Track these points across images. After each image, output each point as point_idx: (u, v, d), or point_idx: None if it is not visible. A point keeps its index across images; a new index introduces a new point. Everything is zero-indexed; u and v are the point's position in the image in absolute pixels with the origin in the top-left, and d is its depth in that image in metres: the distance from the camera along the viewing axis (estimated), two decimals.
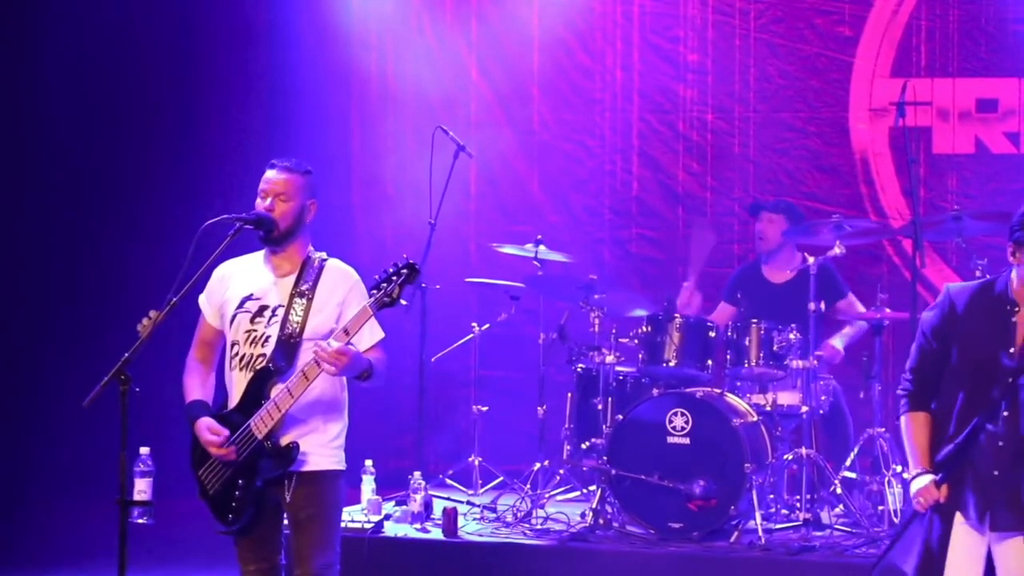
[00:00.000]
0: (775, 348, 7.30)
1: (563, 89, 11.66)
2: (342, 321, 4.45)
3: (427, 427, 8.89)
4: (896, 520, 6.89)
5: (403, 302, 4.50)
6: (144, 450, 4.97)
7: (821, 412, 7.64)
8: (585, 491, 8.34)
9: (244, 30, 11.60)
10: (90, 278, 10.43)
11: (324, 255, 4.74)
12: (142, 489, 4.71)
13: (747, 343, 7.28)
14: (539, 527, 7.29)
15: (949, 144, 10.53)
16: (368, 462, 7.96)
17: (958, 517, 4.55)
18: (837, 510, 7.60)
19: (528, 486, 7.91)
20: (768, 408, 7.40)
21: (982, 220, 8.01)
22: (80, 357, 8.42)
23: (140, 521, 4.57)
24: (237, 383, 4.59)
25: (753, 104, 11.29)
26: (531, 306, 9.47)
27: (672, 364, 7.22)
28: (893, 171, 10.64)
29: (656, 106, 11.48)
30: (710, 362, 7.39)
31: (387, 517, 7.33)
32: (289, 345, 4.47)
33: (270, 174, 4.69)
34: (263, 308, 4.58)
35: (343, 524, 5.55)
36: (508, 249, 9.18)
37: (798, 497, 7.45)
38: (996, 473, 4.47)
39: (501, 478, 8.78)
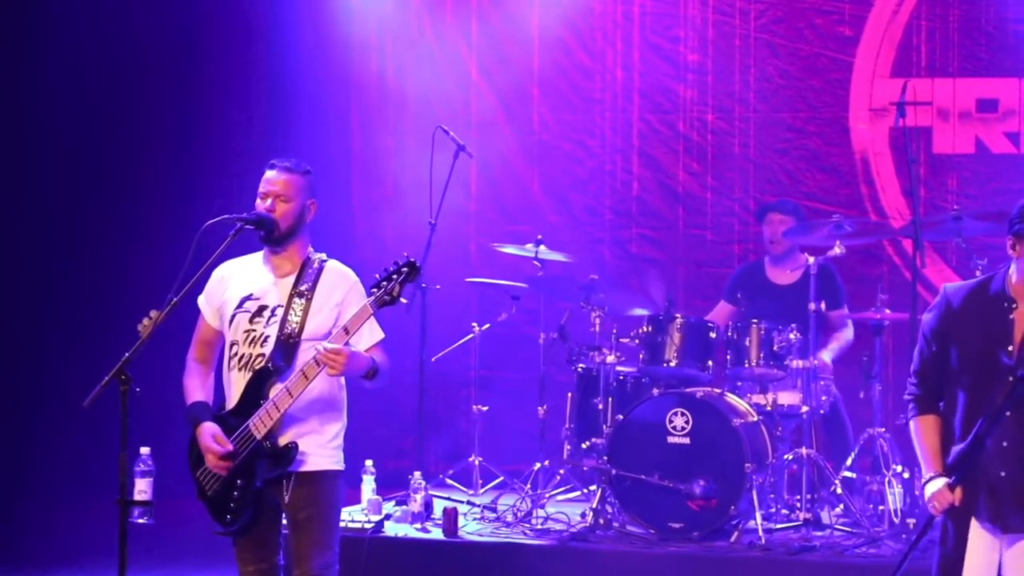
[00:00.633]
0: (775, 348, 7.30)
1: (563, 89, 11.65)
2: (340, 322, 4.45)
3: (427, 427, 8.89)
4: (896, 520, 6.87)
5: (403, 300, 4.43)
6: (144, 450, 4.95)
7: (821, 412, 7.63)
8: (585, 491, 8.33)
9: (244, 30, 11.60)
10: (90, 277, 10.41)
11: (324, 256, 4.73)
12: (142, 489, 4.69)
13: (747, 343, 7.29)
14: (539, 527, 7.30)
15: (949, 144, 10.53)
16: (368, 462, 7.96)
17: (973, 521, 4.50)
18: (837, 510, 7.60)
19: (528, 486, 7.91)
20: (768, 408, 7.39)
21: (982, 220, 8.01)
22: (80, 357, 8.40)
23: (140, 521, 4.57)
24: (236, 383, 4.59)
25: (753, 104, 11.28)
26: (531, 306, 9.47)
27: (672, 364, 7.23)
28: (893, 171, 10.63)
29: (656, 106, 11.47)
30: (710, 362, 7.40)
31: (387, 517, 7.33)
32: (288, 345, 4.47)
33: (270, 175, 4.68)
34: (262, 308, 4.58)
35: (343, 524, 5.54)
36: (508, 249, 9.17)
37: (798, 497, 7.44)
38: (1003, 474, 4.41)
39: (501, 478, 8.77)
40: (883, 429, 7.68)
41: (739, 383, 7.83)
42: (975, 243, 8.09)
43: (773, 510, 7.33)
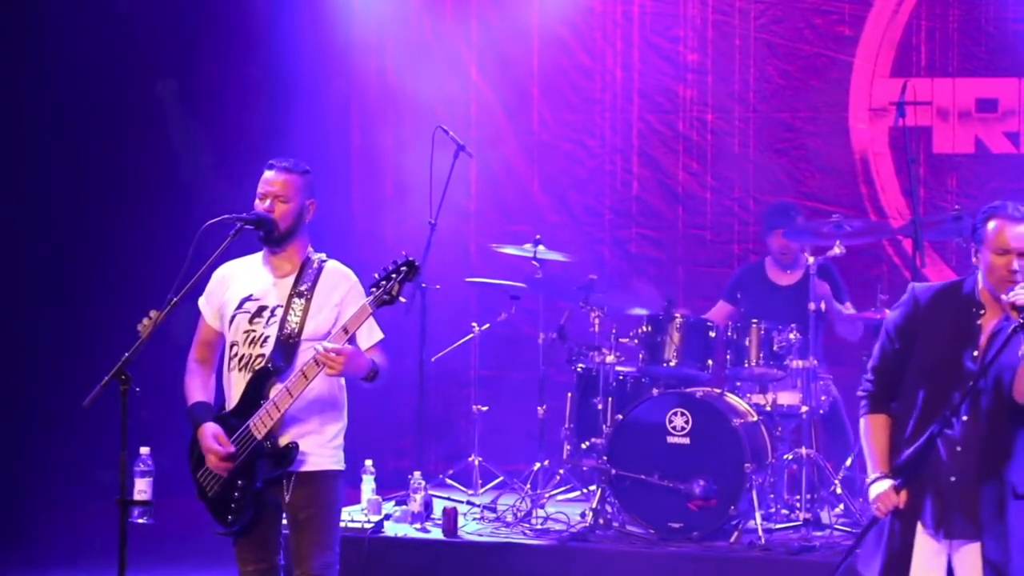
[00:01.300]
0: (775, 348, 7.29)
1: (563, 89, 11.66)
2: (340, 322, 4.46)
3: (427, 427, 8.88)
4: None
5: (402, 299, 4.40)
6: (144, 450, 4.95)
7: (821, 412, 7.63)
8: (585, 491, 8.33)
9: (244, 30, 11.61)
10: (90, 278, 10.48)
11: (323, 256, 4.73)
12: (142, 489, 4.70)
13: (747, 343, 7.30)
14: (539, 527, 7.31)
15: (949, 144, 10.53)
16: (368, 462, 7.95)
17: (919, 525, 4.46)
18: (837, 510, 7.61)
19: (528, 486, 7.90)
20: (768, 408, 7.39)
21: None
22: (82, 357, 8.38)
23: (140, 521, 4.58)
24: (236, 384, 4.59)
25: (753, 104, 11.27)
26: (531, 306, 9.46)
27: (672, 364, 7.25)
28: (893, 171, 10.63)
29: (656, 106, 11.47)
30: (710, 362, 7.42)
31: (387, 517, 7.34)
32: (288, 345, 4.47)
33: (269, 175, 4.67)
34: (262, 308, 4.58)
35: (343, 524, 5.50)
36: (508, 249, 9.17)
37: (798, 497, 7.46)
38: (953, 479, 4.39)
39: (501, 478, 8.77)
40: None
41: (739, 383, 7.82)
42: None
43: (773, 510, 7.33)
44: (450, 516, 7.02)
